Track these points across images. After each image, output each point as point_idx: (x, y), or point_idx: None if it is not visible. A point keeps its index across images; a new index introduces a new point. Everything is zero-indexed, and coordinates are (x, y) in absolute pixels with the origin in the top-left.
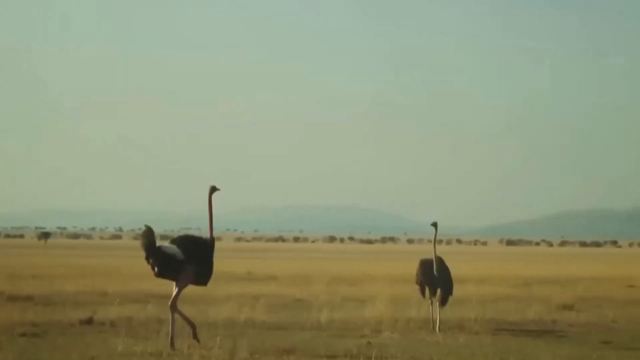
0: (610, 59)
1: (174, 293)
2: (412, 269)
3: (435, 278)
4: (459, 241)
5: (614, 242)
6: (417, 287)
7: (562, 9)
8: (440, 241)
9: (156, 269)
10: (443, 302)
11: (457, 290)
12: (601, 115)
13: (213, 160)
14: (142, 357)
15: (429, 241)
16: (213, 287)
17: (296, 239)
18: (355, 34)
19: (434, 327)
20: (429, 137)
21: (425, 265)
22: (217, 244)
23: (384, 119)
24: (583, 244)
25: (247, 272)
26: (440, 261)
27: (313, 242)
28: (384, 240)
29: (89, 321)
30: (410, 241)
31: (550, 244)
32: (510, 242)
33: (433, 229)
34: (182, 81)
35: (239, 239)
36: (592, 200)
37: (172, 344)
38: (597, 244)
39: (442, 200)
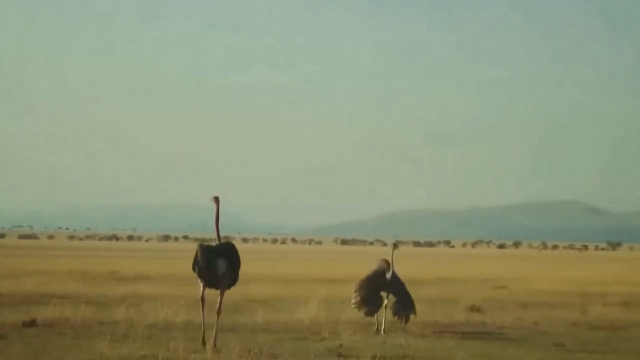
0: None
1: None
2: (278, 269)
3: (388, 284)
4: (294, 240)
5: (447, 242)
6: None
7: (529, 19)
8: (276, 240)
9: (207, 276)
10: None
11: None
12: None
13: (43, 156)
14: None
15: (264, 240)
16: (101, 286)
17: (130, 238)
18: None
19: (378, 330)
20: (263, 136)
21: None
22: (50, 242)
23: (211, 118)
24: (417, 244)
25: (110, 271)
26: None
27: (147, 240)
28: None
29: (32, 323)
30: (245, 240)
31: (385, 244)
32: (344, 242)
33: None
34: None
35: (71, 237)
36: (424, 200)
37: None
38: (430, 244)
39: (274, 199)
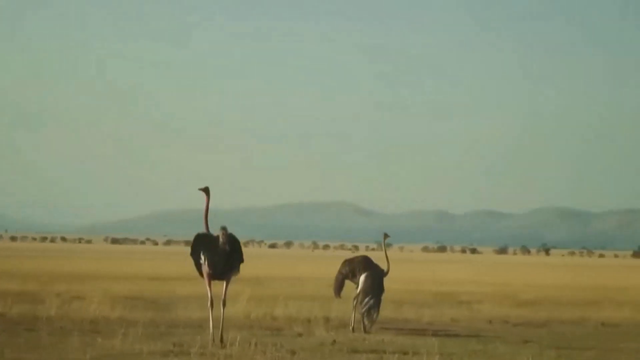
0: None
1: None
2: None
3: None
4: (63, 239)
5: (257, 241)
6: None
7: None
8: (45, 238)
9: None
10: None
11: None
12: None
13: None
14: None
15: (33, 239)
16: None
17: None
18: None
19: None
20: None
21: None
22: None
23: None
24: (189, 243)
25: None
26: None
27: None
28: None
29: None
30: (13, 238)
31: (156, 243)
32: (115, 241)
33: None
34: None
35: None
36: (195, 200)
37: (213, 339)
38: None
39: (43, 196)
